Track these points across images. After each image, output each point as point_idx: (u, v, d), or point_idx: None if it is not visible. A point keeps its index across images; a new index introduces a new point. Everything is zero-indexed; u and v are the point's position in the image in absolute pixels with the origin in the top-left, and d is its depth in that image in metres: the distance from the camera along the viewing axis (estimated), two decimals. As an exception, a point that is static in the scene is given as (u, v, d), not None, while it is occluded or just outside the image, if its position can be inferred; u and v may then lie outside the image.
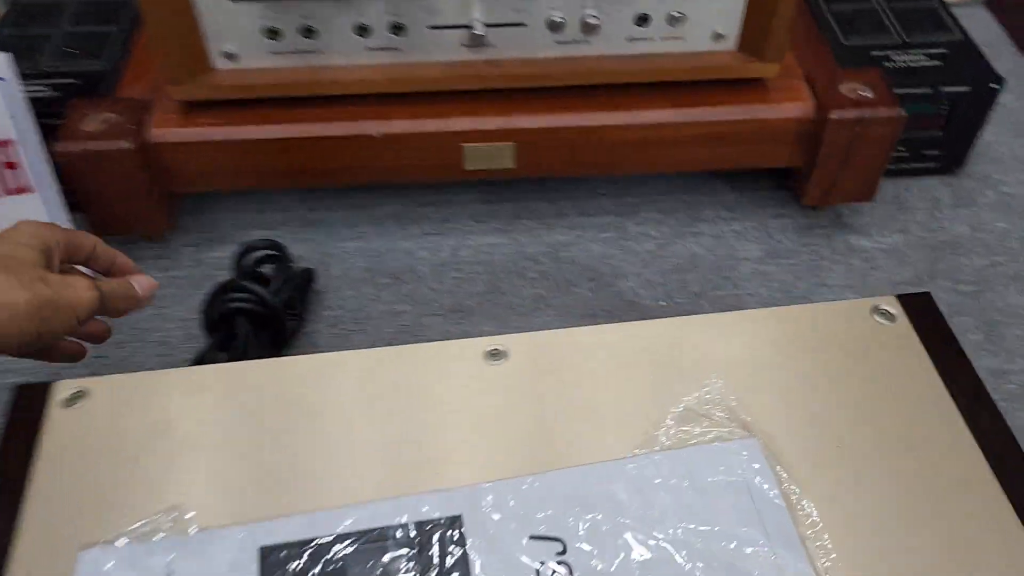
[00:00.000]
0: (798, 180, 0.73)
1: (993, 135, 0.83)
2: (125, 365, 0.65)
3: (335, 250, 0.74)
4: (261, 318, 0.61)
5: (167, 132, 0.66)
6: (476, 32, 0.64)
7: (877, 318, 0.47)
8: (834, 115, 0.66)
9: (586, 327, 0.47)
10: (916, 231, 0.75)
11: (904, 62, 0.73)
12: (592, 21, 0.64)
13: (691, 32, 0.66)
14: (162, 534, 0.38)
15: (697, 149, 0.70)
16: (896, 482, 0.40)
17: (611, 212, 0.77)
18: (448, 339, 0.67)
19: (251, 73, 0.66)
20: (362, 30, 0.64)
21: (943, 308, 0.69)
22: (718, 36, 0.67)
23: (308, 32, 0.64)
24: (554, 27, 0.65)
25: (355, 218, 0.77)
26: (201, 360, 0.59)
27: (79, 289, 0.43)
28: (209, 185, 0.70)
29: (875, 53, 0.74)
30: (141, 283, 0.48)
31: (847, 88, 0.68)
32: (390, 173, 0.70)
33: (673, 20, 0.65)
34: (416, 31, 0.65)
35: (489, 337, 0.46)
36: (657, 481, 0.40)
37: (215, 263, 0.73)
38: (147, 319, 0.68)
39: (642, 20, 0.65)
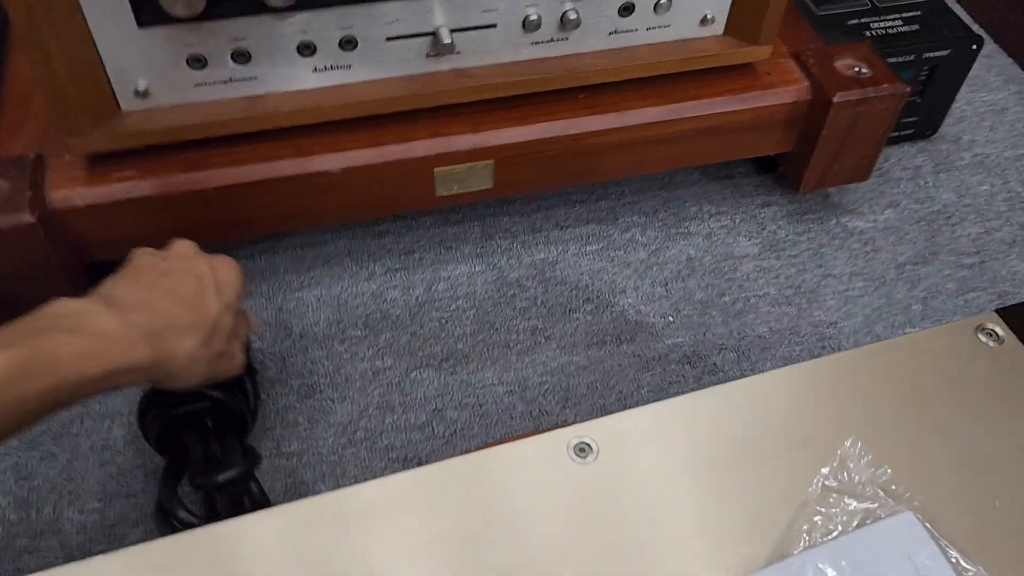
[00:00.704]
0: (790, 165, 0.68)
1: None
2: (66, 484, 0.53)
3: (290, 303, 0.63)
4: (216, 416, 0.51)
5: (72, 194, 0.53)
6: (443, 41, 0.54)
7: (982, 338, 0.42)
8: (838, 97, 0.60)
9: (668, 401, 0.39)
10: (906, 204, 0.72)
11: (882, 29, 0.68)
12: (572, 16, 0.56)
13: (678, 18, 0.59)
14: None
15: (688, 145, 0.64)
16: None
17: (590, 220, 0.70)
18: (446, 392, 0.59)
19: (171, 112, 0.54)
20: (306, 48, 0.53)
21: (952, 286, 0.67)
22: (706, 20, 0.60)
23: (241, 56, 0.53)
24: (529, 26, 0.56)
25: (304, 260, 0.66)
26: (167, 515, 0.47)
27: (236, 361, 0.49)
28: (120, 252, 0.58)
29: (852, 22, 0.69)
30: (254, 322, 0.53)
31: (843, 65, 0.63)
32: (351, 211, 0.60)
33: (659, 7, 0.58)
34: (370, 45, 0.54)
35: (569, 427, 0.38)
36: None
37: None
38: (78, 415, 0.56)
39: (626, 10, 0.58)
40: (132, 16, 0.49)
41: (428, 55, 0.56)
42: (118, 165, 0.54)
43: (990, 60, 0.84)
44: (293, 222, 0.59)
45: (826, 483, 0.37)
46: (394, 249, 0.67)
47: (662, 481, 0.37)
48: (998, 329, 0.42)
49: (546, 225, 0.69)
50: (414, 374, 0.60)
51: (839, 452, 0.38)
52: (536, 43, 0.58)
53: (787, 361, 0.62)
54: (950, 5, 0.72)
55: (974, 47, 0.68)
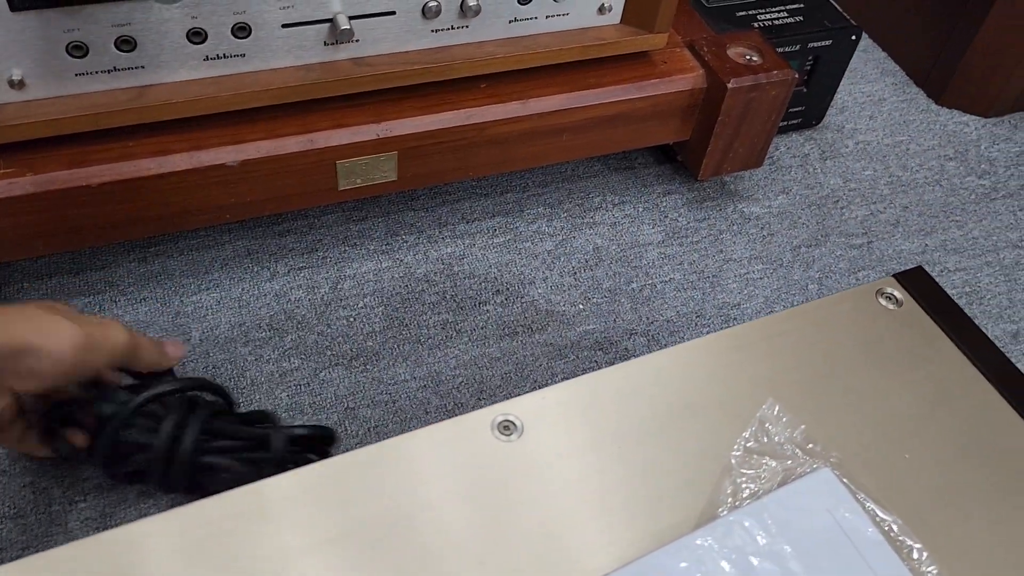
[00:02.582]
0: (688, 153, 0.69)
1: (834, 84, 0.84)
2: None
3: (187, 307, 0.60)
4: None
5: (-59, 194, 0.49)
6: (341, 27, 0.53)
7: (883, 302, 0.44)
8: (732, 83, 0.62)
9: (591, 375, 0.39)
10: (797, 190, 0.75)
11: (769, 20, 0.71)
12: (472, 3, 0.56)
13: (575, 6, 0.60)
14: None
15: (589, 134, 0.64)
16: (980, 485, 0.37)
17: (496, 213, 0.69)
18: (358, 391, 0.57)
19: (50, 104, 0.50)
20: (196, 36, 0.51)
21: (844, 265, 0.69)
22: (603, 9, 0.61)
23: (125, 44, 0.50)
24: (428, 13, 0.56)
25: (201, 263, 0.63)
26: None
27: (114, 330, 0.44)
28: (6, 255, 0.54)
29: (740, 14, 0.71)
30: (170, 347, 0.49)
31: (735, 54, 0.65)
32: (251, 207, 0.58)
33: (557, -6, 0.58)
34: (265, 32, 0.53)
35: (489, 408, 0.38)
36: (748, 548, 0.34)
37: (31, 351, 0.56)
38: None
39: (525, -3, 0.58)
40: (4, 0, 0.46)
41: (326, 43, 0.55)
42: (-9, 162, 0.51)
43: (866, 54, 0.88)
44: (189, 220, 0.56)
45: (747, 445, 0.37)
46: (296, 248, 0.65)
47: (589, 455, 0.37)
48: (897, 293, 0.44)
49: (452, 219, 0.68)
50: (323, 374, 0.58)
51: (757, 415, 0.38)
52: (436, 31, 0.57)
53: (695, 343, 0.63)
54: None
55: (853, 37, 0.72)
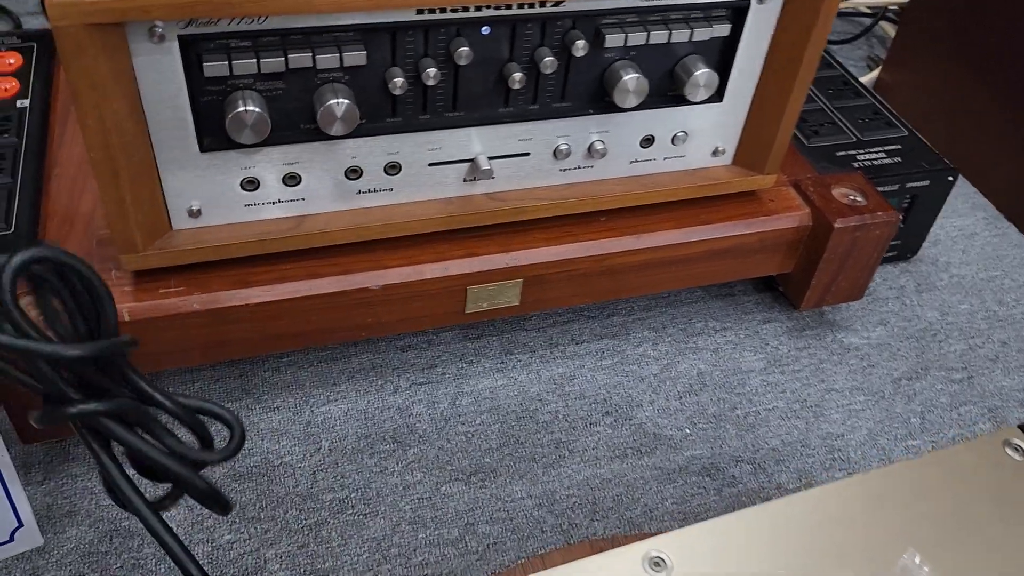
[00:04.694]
0: (790, 285, 0.72)
1: (925, 218, 0.87)
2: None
3: (318, 417, 0.64)
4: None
5: (120, 310, 0.54)
6: (482, 167, 0.58)
7: (1011, 452, 0.45)
8: (838, 224, 0.65)
9: (735, 514, 0.41)
10: (895, 322, 0.77)
11: (868, 160, 0.74)
12: (599, 146, 0.60)
13: (692, 149, 0.64)
14: None
15: (699, 266, 0.67)
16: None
17: (603, 336, 0.72)
18: (477, 507, 0.60)
19: (220, 231, 0.56)
20: (353, 172, 0.56)
21: (945, 400, 0.71)
22: (717, 151, 0.65)
23: (291, 179, 0.55)
24: (559, 155, 0.60)
25: (329, 375, 0.67)
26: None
27: None
28: (161, 365, 0.59)
29: (840, 154, 0.75)
30: None
31: (839, 194, 0.68)
32: (383, 327, 0.62)
33: (676, 139, 0.63)
34: (413, 169, 0.58)
35: (640, 544, 0.40)
36: None
37: (176, 454, 0.60)
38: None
39: (647, 141, 0.62)
40: (196, 142, 0.51)
41: (465, 179, 0.59)
42: (164, 281, 0.56)
43: (957, 189, 0.91)
44: (329, 337, 0.61)
45: (891, 592, 0.39)
46: (417, 363, 0.68)
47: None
48: (1023, 443, 0.46)
49: (562, 340, 0.72)
50: (444, 488, 0.61)
51: (899, 564, 0.40)
52: (564, 170, 0.62)
53: (801, 473, 0.64)
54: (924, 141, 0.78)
55: (950, 178, 0.75)
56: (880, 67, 1.06)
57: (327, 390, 0.66)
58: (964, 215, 0.88)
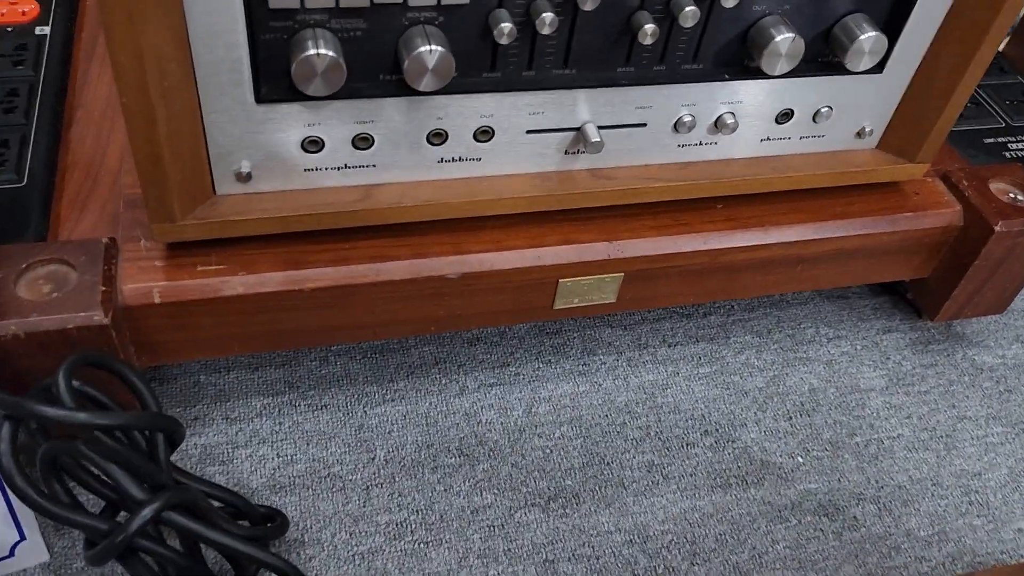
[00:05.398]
0: (924, 292, 0.62)
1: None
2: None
3: (372, 420, 0.55)
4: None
5: (149, 289, 0.45)
6: (591, 139, 0.47)
7: None
8: (1000, 227, 0.55)
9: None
10: (1033, 339, 0.66)
11: (1022, 149, 0.64)
12: (729, 120, 0.50)
13: (834, 128, 0.53)
14: None
15: (826, 266, 0.57)
16: None
17: (700, 338, 0.63)
18: (557, 540, 0.51)
19: (272, 200, 0.46)
20: (437, 136, 0.46)
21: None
22: (863, 132, 0.54)
23: (363, 141, 0.45)
24: (680, 127, 0.50)
25: (385, 369, 0.58)
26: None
27: None
28: (200, 354, 0.49)
29: (988, 140, 0.64)
30: None
31: (997, 190, 0.58)
32: (456, 321, 0.52)
33: (819, 115, 0.52)
34: (508, 136, 0.47)
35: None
36: None
37: (204, 455, 0.51)
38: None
39: (785, 116, 0.52)
40: (251, 90, 0.41)
41: (567, 152, 0.49)
42: (204, 256, 0.46)
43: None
44: (392, 330, 0.51)
45: None
46: (487, 360, 0.59)
47: None
48: None
49: (652, 341, 0.62)
50: (519, 515, 0.52)
51: None
52: (683, 145, 0.51)
53: (933, 517, 0.55)
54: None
55: (1117, 177, 0.64)
56: (1008, 38, 0.94)
57: (382, 387, 0.56)
58: (1106, 217, 0.77)
